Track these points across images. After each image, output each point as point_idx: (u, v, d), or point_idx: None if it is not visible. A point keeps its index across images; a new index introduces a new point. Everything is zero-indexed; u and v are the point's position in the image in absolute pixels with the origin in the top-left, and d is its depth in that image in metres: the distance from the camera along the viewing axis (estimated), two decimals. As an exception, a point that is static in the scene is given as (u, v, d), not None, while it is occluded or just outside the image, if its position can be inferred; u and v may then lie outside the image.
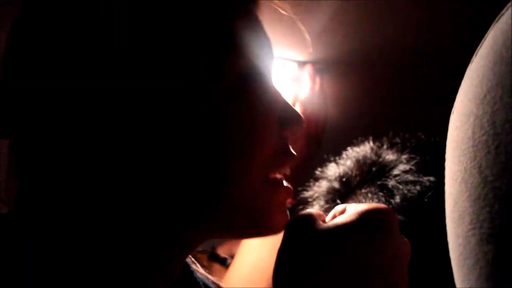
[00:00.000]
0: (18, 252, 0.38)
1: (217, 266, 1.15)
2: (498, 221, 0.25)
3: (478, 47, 0.28)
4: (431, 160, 0.60)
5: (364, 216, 0.39)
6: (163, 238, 0.42)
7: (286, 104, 0.44)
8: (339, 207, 0.42)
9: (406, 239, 0.40)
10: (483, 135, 0.25)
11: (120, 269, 0.42)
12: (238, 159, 0.40)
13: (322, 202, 0.62)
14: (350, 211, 0.40)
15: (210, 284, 0.56)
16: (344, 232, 0.38)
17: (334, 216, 0.42)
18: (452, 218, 0.28)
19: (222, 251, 1.20)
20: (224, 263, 1.15)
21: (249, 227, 0.43)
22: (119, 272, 0.42)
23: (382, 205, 0.40)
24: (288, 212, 0.44)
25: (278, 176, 0.44)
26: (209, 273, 0.58)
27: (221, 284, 0.59)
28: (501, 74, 0.24)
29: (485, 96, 0.25)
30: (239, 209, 0.41)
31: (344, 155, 0.66)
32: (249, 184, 0.41)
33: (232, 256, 1.16)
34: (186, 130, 0.39)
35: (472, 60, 0.28)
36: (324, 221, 0.41)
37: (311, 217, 0.40)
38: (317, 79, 0.90)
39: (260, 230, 0.44)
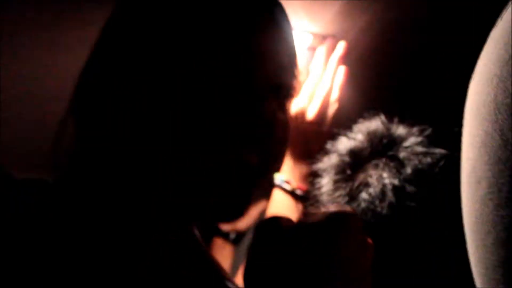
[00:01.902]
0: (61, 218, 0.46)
1: (219, 241, 1.14)
2: (517, 184, 0.24)
3: (503, 11, 0.27)
4: (442, 133, 0.60)
5: (327, 218, 0.42)
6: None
7: None
8: (311, 211, 0.45)
9: (370, 240, 0.44)
10: (506, 97, 0.25)
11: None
12: None
13: (331, 175, 0.62)
14: (317, 214, 0.43)
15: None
16: (305, 233, 0.42)
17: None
18: (469, 183, 0.28)
19: (225, 226, 1.18)
20: (227, 237, 1.14)
21: None
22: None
23: (347, 208, 0.44)
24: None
25: None
26: (210, 248, 0.61)
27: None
28: (527, 36, 0.24)
29: (510, 58, 0.25)
30: None
31: (354, 129, 0.66)
32: None
33: (236, 231, 1.16)
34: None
35: (496, 23, 0.28)
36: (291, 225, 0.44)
37: (276, 220, 0.44)
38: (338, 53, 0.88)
39: None
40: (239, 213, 0.49)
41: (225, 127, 0.46)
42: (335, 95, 0.87)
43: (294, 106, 0.86)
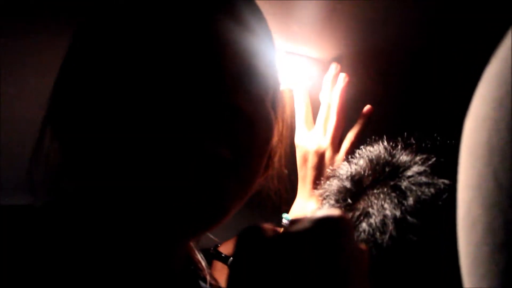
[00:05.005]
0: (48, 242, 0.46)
1: (219, 265, 1.13)
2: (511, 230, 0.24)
3: (498, 48, 0.27)
4: (447, 162, 0.59)
5: (314, 224, 0.37)
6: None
7: None
8: (296, 218, 0.40)
9: (363, 246, 0.39)
10: (500, 140, 0.24)
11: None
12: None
13: (332, 201, 0.61)
14: (304, 220, 0.39)
15: None
16: (291, 241, 0.37)
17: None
18: (464, 225, 0.27)
19: (224, 250, 1.18)
20: (226, 261, 1.13)
21: None
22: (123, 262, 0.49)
23: (336, 211, 0.38)
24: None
25: None
26: (210, 272, 0.59)
27: None
28: (522, 77, 0.23)
29: (503, 99, 0.24)
30: None
31: (356, 154, 0.65)
32: None
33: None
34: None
35: (490, 61, 0.27)
36: (275, 234, 0.39)
37: (259, 229, 0.39)
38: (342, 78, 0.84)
39: None
40: (217, 214, 0.47)
41: (187, 110, 0.44)
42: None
43: (309, 142, 0.83)
